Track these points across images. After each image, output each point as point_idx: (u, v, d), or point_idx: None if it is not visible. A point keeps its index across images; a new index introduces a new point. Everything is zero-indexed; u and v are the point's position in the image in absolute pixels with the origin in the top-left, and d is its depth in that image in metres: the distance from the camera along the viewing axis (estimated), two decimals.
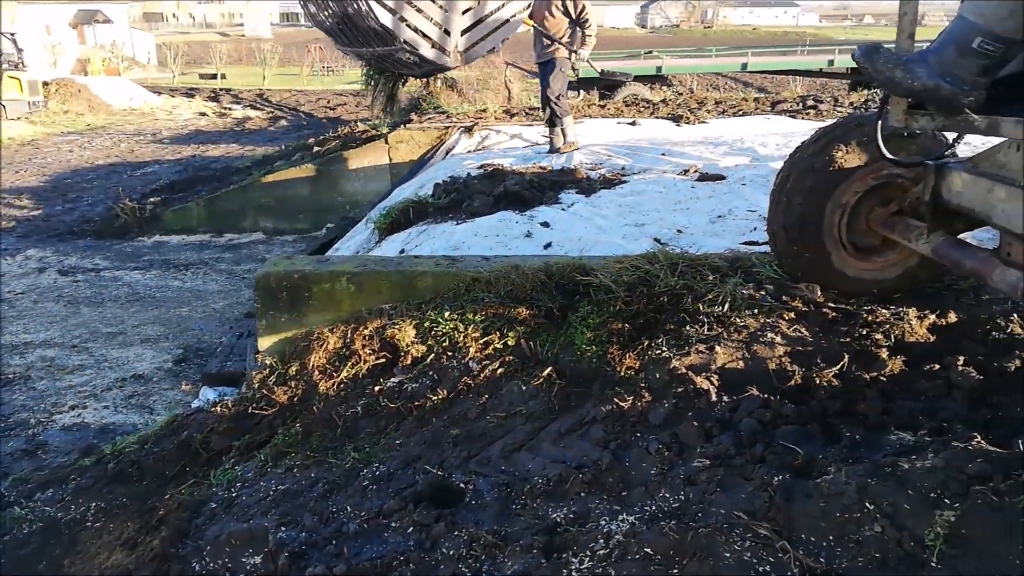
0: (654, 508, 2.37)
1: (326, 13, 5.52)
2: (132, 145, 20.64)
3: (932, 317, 3.16)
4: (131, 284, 9.69)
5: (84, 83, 28.25)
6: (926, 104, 2.43)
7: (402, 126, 12.72)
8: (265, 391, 3.87)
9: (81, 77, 29.83)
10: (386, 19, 5.01)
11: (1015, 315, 3.09)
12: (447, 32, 5.20)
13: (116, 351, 7.33)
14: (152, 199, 13.32)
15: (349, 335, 3.90)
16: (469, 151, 10.28)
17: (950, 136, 2.97)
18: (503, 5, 5.41)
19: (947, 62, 2.29)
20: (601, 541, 2.24)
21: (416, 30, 5.11)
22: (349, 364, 3.78)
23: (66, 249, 11.34)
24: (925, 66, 2.33)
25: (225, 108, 28.62)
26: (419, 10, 5.15)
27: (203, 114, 27.47)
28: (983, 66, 2.25)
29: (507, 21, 5.53)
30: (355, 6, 5.07)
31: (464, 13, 5.27)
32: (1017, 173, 2.44)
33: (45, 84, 26.51)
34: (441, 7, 5.16)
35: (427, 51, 5.24)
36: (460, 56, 5.43)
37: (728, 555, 2.05)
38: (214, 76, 36.45)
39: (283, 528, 2.76)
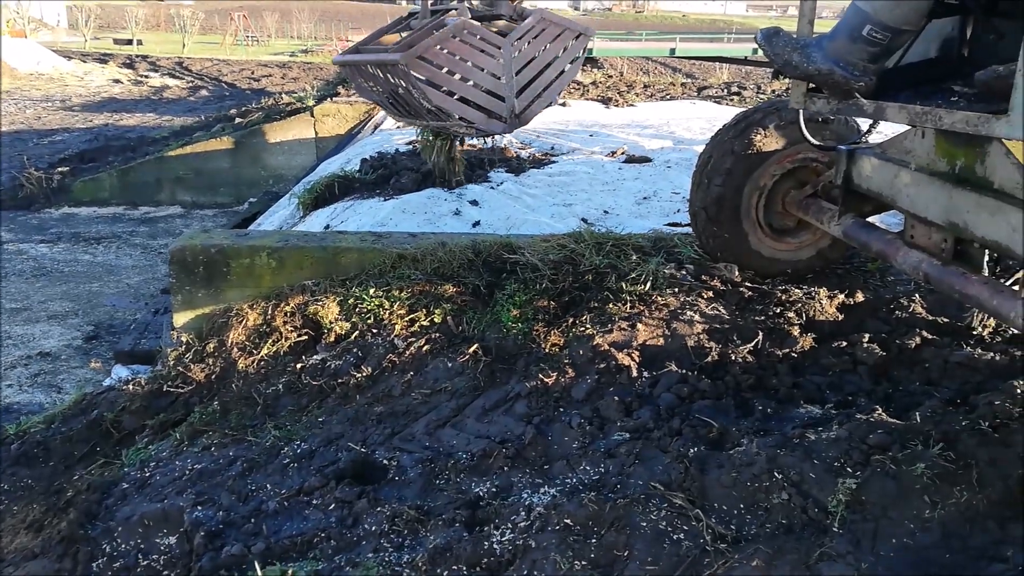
0: (575, 481, 2.42)
1: (376, 88, 5.31)
2: (39, 112, 19.48)
3: (841, 297, 3.31)
4: (37, 258, 9.19)
5: None
6: (821, 88, 2.52)
7: (329, 99, 12.42)
8: (181, 368, 3.75)
9: None
10: (438, 99, 4.82)
11: (917, 295, 3.26)
12: (501, 99, 5.01)
13: (20, 328, 6.95)
14: (60, 169, 12.61)
15: (270, 311, 3.81)
16: (398, 126, 10.12)
17: (863, 123, 3.09)
18: (557, 60, 5.19)
19: (840, 48, 2.38)
20: (523, 513, 2.28)
21: (469, 103, 4.97)
22: (270, 341, 3.70)
23: None
24: (820, 51, 2.42)
25: (141, 76, 27.30)
26: (472, 83, 4.95)
27: (117, 81, 26.13)
28: (872, 53, 2.35)
29: (562, 73, 5.28)
30: (403, 88, 4.88)
31: (518, 74, 5.01)
32: (920, 159, 2.56)
33: None
34: (495, 76, 4.95)
35: (483, 124, 5.09)
36: (517, 119, 5.26)
37: (644, 524, 2.11)
38: (129, 42, 34.65)
39: (199, 507, 2.69)
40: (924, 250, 2.58)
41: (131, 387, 3.80)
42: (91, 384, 5.07)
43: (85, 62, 28.92)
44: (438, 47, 4.68)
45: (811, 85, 2.57)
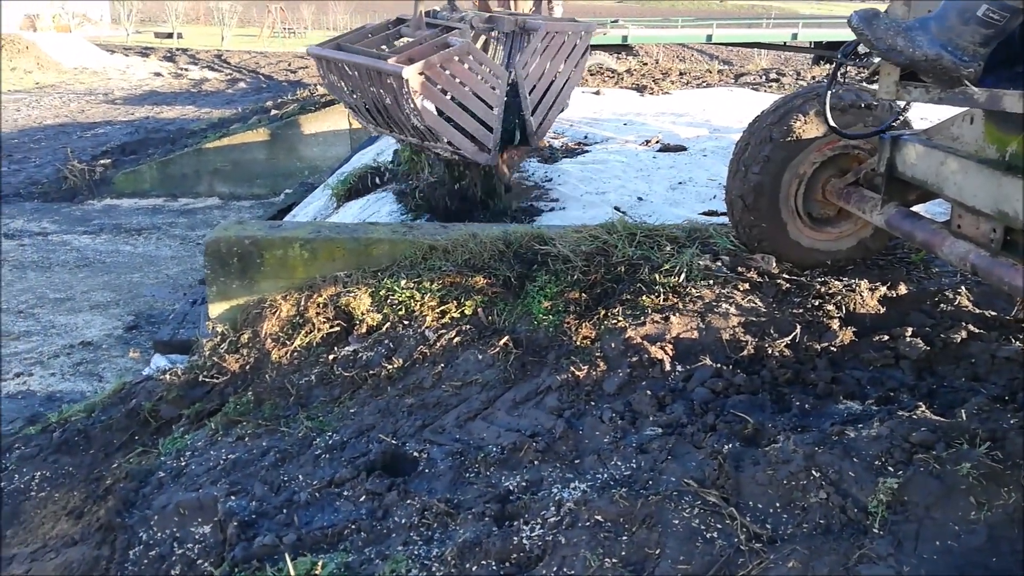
0: (606, 476, 2.38)
1: (355, 93, 4.93)
2: (83, 105, 19.93)
3: (883, 289, 3.21)
4: (80, 249, 9.41)
5: (33, 40, 27.10)
6: (923, 75, 2.36)
7: None
8: (216, 359, 3.79)
9: (30, 33, 28.62)
10: (432, 121, 4.44)
11: (963, 288, 3.15)
12: (490, 130, 4.68)
13: (64, 317, 7.13)
14: (103, 161, 12.89)
15: (303, 303, 3.83)
16: None
17: (900, 107, 2.98)
18: (565, 64, 5.01)
19: (949, 30, 2.19)
20: (553, 509, 2.25)
21: (462, 130, 4.61)
22: (303, 332, 3.72)
23: (12, 212, 10.96)
24: (926, 34, 2.22)
25: (181, 69, 27.77)
26: (467, 110, 4.58)
27: (158, 74, 26.62)
28: (985, 36, 2.17)
29: (569, 78, 5.12)
30: (392, 99, 4.48)
31: (531, 92, 4.74)
32: (969, 145, 2.46)
33: None
34: (488, 105, 4.63)
35: (470, 152, 4.66)
36: (535, 136, 4.98)
37: (677, 522, 2.07)
38: (170, 35, 35.22)
39: (233, 497, 2.71)
40: (971, 240, 2.49)
41: (168, 377, 3.85)
42: (131, 373, 5.17)
43: (127, 56, 29.50)
44: (441, 66, 4.42)
45: (903, 72, 2.38)
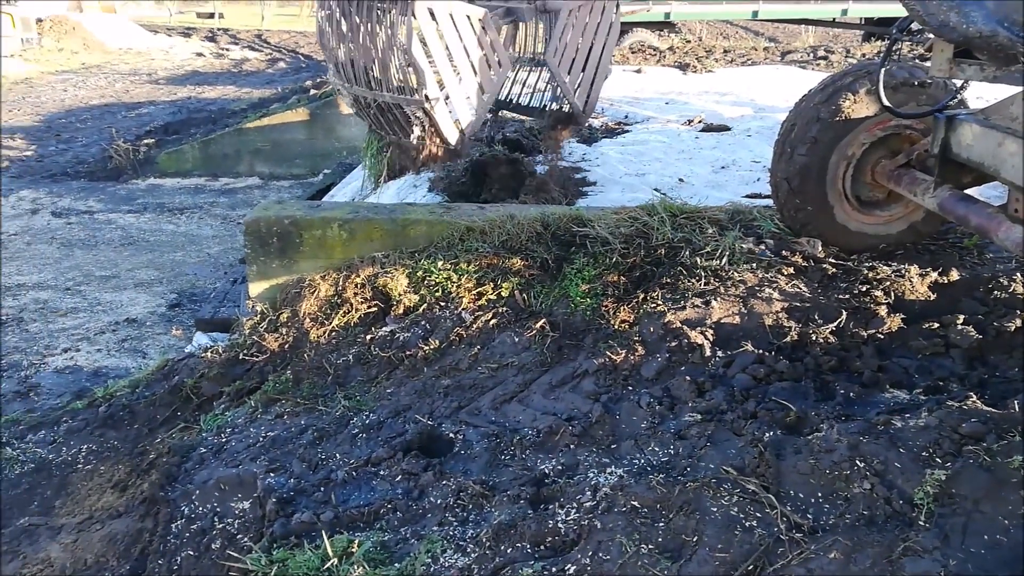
0: (643, 461, 2.35)
1: (342, 41, 4.66)
2: (127, 85, 20.27)
3: (934, 275, 3.11)
4: (125, 227, 9.60)
5: (79, 20, 27.62)
6: (977, 52, 2.23)
7: None
8: (256, 338, 3.84)
9: (76, 14, 29.16)
10: (423, 61, 4.12)
11: (1018, 274, 3.04)
12: (472, 111, 4.41)
13: (109, 294, 7.28)
14: (146, 141, 13.11)
15: (341, 283, 3.85)
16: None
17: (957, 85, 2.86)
18: (597, 34, 4.85)
19: (1006, 5, 2.09)
20: (588, 493, 2.23)
21: (446, 97, 4.27)
22: (341, 312, 3.74)
23: (59, 190, 11.21)
24: (981, 10, 2.11)
25: (223, 49, 28.06)
26: (460, 80, 4.25)
27: (200, 55, 26.93)
28: None
29: (605, 45, 5.00)
30: (386, 35, 4.16)
31: (569, 73, 4.71)
32: None
33: (39, 21, 25.90)
34: (483, 88, 4.35)
35: (444, 121, 4.26)
36: (583, 115, 4.90)
37: (715, 509, 2.04)
38: (212, 15, 35.64)
39: (272, 474, 2.75)
40: None
41: (210, 355, 3.92)
42: (173, 350, 5.27)
43: (170, 36, 29.90)
44: (452, 16, 4.13)
45: (956, 49, 2.27)
